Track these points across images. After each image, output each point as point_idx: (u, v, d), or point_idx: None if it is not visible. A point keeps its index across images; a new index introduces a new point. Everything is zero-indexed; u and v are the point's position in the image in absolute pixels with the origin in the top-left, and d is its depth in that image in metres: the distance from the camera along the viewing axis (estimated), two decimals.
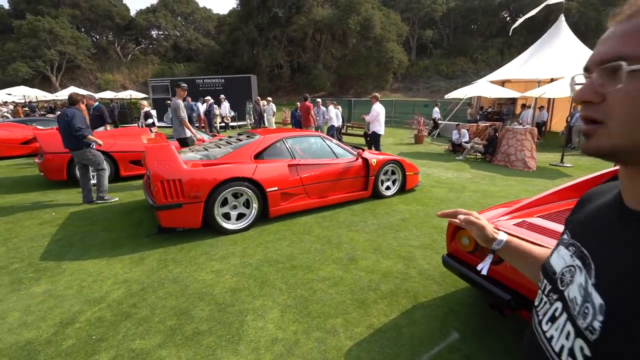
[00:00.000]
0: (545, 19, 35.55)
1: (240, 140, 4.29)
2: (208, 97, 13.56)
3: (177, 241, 3.47)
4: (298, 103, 10.71)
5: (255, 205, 3.72)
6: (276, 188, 3.79)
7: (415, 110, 18.01)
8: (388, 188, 4.98)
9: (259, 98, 13.00)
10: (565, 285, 0.51)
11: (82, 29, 43.00)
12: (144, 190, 3.85)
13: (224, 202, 3.58)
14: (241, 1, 37.01)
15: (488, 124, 11.28)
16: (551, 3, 13.90)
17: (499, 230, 0.81)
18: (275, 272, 2.87)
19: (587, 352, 0.43)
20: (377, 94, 7.42)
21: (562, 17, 13.52)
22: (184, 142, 5.27)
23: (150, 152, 3.29)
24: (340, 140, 10.10)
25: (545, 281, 0.57)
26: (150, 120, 9.73)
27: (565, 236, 0.58)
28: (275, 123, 15.51)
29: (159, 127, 17.13)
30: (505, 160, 8.16)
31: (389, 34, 34.75)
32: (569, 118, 11.67)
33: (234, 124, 15.67)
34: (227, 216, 3.64)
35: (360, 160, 4.58)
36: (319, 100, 10.72)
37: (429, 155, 9.31)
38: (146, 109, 10.16)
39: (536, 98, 12.53)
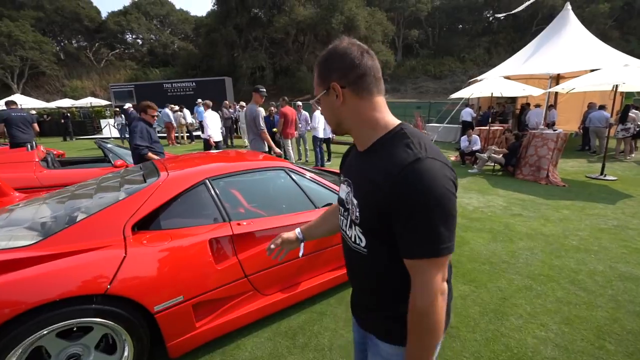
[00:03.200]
0: (530, 17, 34.79)
1: (130, 181, 2.22)
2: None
3: None
4: (272, 108, 8.73)
5: (126, 352, 1.64)
6: (181, 298, 1.72)
7: (406, 112, 16.38)
8: None
9: (228, 102, 10.90)
10: (347, 203, 0.88)
11: (50, 34, 39.73)
12: None
13: (37, 356, 1.53)
14: (218, 1, 34.72)
15: (500, 127, 9.55)
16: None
17: (295, 230, 1.21)
18: None
19: (359, 232, 0.84)
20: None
21: (568, 6, 11.98)
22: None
23: None
24: (329, 156, 8.19)
25: (340, 206, 0.96)
26: None
27: (342, 178, 0.96)
28: None
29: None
30: (534, 174, 6.35)
31: (375, 34, 33.17)
32: (584, 118, 10.08)
33: (202, 134, 13.46)
34: None
35: None
36: (300, 103, 8.79)
37: None
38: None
39: (548, 96, 10.92)
